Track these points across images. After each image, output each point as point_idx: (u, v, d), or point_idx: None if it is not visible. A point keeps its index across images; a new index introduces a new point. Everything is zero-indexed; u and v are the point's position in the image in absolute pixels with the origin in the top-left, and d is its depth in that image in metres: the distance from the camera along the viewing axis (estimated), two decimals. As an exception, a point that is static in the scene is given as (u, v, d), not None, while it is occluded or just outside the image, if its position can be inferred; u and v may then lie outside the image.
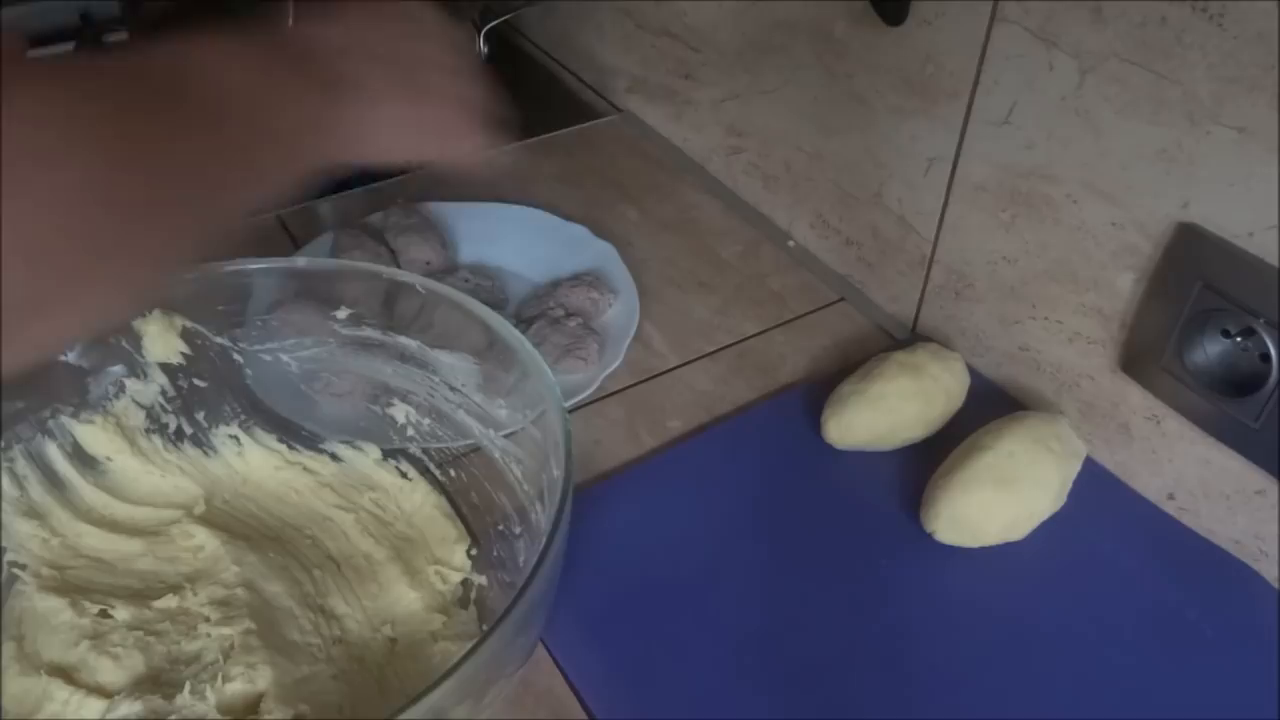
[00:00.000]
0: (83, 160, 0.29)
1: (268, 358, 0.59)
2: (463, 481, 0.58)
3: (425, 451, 0.59)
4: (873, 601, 0.55)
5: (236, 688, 0.48)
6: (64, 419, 0.55)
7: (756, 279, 0.78)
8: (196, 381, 0.59)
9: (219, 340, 0.58)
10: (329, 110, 0.42)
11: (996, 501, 0.55)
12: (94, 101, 0.30)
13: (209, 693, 0.47)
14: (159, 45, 0.34)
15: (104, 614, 0.51)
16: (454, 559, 0.56)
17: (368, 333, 0.58)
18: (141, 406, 0.58)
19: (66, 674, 0.49)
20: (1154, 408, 0.57)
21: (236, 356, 0.59)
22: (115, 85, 0.32)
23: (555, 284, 0.72)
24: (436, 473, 0.59)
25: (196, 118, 0.35)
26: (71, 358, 0.54)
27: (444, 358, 0.57)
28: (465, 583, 0.55)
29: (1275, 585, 0.55)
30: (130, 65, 0.34)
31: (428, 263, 0.73)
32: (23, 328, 0.29)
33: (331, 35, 0.43)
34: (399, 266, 0.72)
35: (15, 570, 0.53)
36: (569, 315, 0.69)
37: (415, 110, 0.46)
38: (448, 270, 0.74)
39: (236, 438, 0.60)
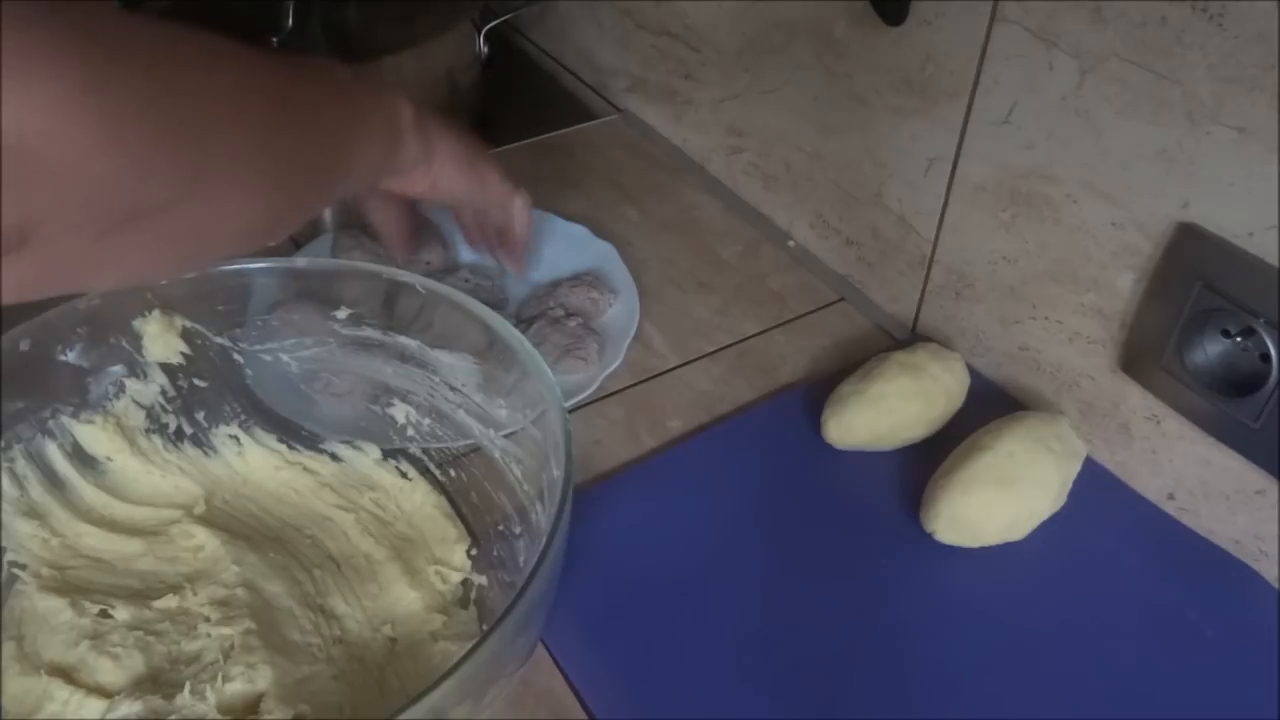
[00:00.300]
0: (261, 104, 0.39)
1: (268, 358, 0.59)
2: (463, 481, 0.58)
3: (425, 451, 0.59)
4: (873, 601, 0.55)
5: (236, 688, 0.48)
6: (64, 419, 0.55)
7: (756, 279, 0.78)
8: (196, 381, 0.59)
9: (219, 340, 0.58)
10: (417, 136, 0.54)
11: (996, 501, 0.55)
12: (270, 70, 0.41)
13: (209, 693, 0.47)
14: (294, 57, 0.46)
15: (104, 614, 0.51)
16: (454, 559, 0.56)
17: (368, 333, 0.58)
18: (141, 406, 0.58)
19: (66, 674, 0.49)
20: (1154, 408, 0.57)
21: (236, 356, 0.59)
22: (275, 62, 0.42)
23: (555, 284, 0.72)
24: (436, 473, 0.59)
25: (332, 100, 0.46)
26: (71, 358, 0.54)
27: (444, 358, 0.57)
28: (465, 583, 0.55)
29: (1275, 585, 0.55)
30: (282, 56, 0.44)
31: (428, 263, 0.73)
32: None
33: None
34: (399, 266, 0.72)
35: (15, 570, 0.53)
36: (569, 315, 0.69)
37: (469, 160, 0.59)
38: (448, 270, 0.74)
39: (236, 438, 0.60)
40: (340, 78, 0.47)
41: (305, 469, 0.60)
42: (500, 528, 0.55)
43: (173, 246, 0.37)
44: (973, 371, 0.65)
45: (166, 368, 0.58)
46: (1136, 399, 0.58)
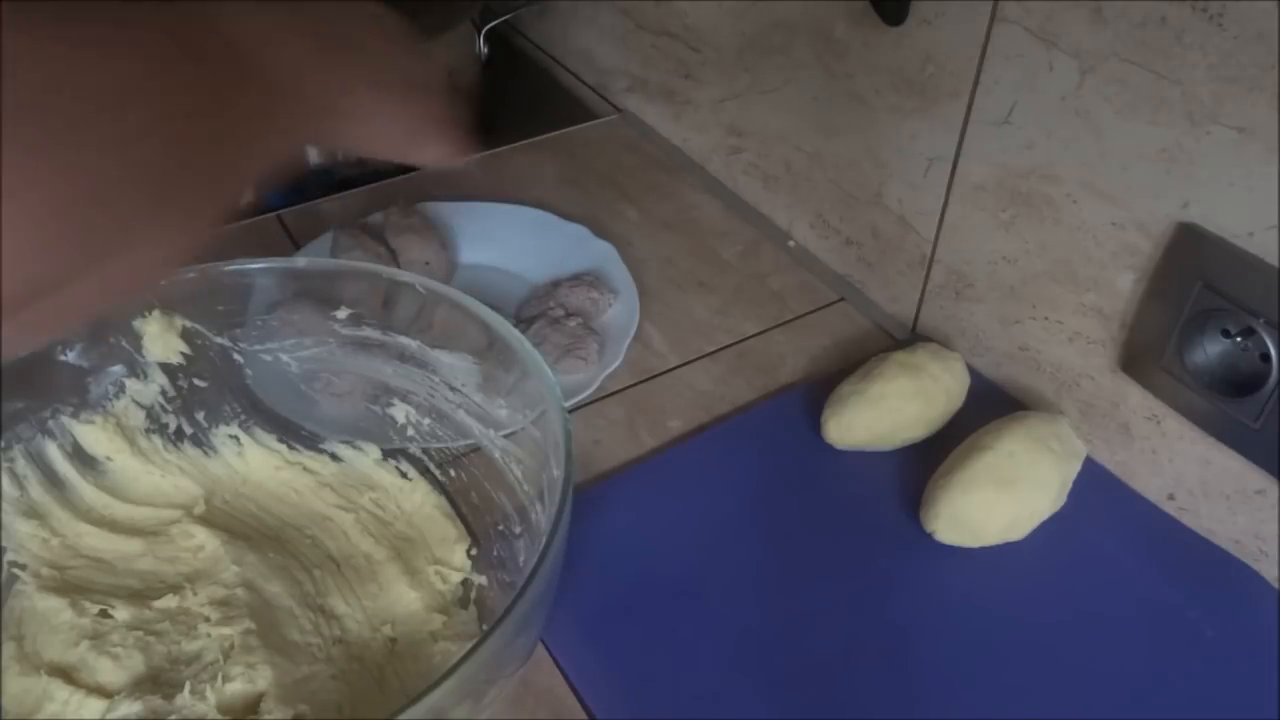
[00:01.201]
0: (143, 105, 0.30)
1: (268, 358, 0.59)
2: (463, 481, 0.58)
3: (425, 451, 0.59)
4: (873, 601, 0.55)
5: (236, 688, 0.48)
6: (64, 419, 0.55)
7: (756, 279, 0.78)
8: (196, 381, 0.59)
9: (219, 340, 0.58)
10: (320, 89, 0.39)
11: (996, 501, 0.55)
12: (147, 47, 0.31)
13: (209, 693, 0.47)
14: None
15: (104, 614, 0.51)
16: (454, 559, 0.56)
17: (368, 333, 0.58)
18: (141, 406, 0.58)
19: (66, 674, 0.49)
20: (1154, 408, 0.57)
21: (236, 356, 0.59)
22: (158, 33, 0.32)
23: (555, 284, 0.72)
24: (436, 473, 0.59)
25: (235, 70, 0.35)
26: (71, 358, 0.54)
27: (444, 358, 0.57)
28: (465, 583, 0.55)
29: (1275, 585, 0.55)
30: (168, 15, 0.33)
31: (427, 263, 0.73)
32: (99, 265, 0.29)
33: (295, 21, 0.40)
34: (399, 266, 0.73)
35: (15, 570, 0.53)
36: (569, 315, 0.69)
37: (387, 107, 0.43)
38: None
39: (236, 438, 0.60)
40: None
41: (305, 469, 0.60)
42: (500, 528, 0.55)
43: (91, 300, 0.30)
44: (973, 371, 0.65)
45: (166, 368, 0.58)
46: (1136, 399, 0.58)
